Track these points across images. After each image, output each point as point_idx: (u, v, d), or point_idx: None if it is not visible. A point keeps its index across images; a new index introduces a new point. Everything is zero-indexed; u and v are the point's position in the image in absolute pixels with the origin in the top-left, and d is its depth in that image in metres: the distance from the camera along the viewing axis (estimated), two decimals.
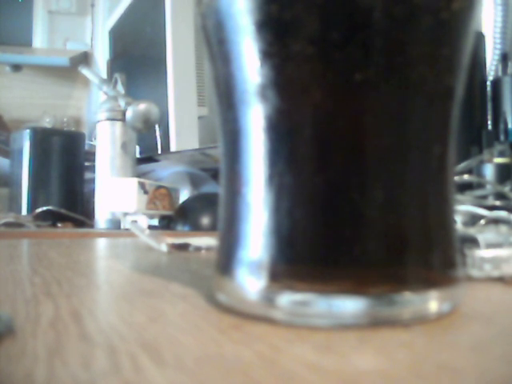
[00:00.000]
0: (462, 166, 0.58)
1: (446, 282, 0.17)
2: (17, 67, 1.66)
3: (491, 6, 0.80)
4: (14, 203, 1.01)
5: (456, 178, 0.53)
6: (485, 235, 0.26)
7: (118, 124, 0.88)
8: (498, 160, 0.63)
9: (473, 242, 0.25)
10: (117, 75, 0.97)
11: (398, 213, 0.17)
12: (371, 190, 0.16)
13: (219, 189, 0.20)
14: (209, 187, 1.01)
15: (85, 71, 1.00)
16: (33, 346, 0.13)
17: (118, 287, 0.24)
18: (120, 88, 0.94)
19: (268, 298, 0.16)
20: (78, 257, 0.39)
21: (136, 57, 1.22)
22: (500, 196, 0.53)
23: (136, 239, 0.48)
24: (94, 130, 0.98)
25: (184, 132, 0.99)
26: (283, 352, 0.13)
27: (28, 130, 0.99)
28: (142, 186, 0.78)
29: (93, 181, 0.91)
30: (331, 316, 0.15)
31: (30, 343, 0.13)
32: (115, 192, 0.78)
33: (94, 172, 0.91)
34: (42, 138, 1.00)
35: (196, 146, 0.99)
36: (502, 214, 0.42)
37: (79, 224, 0.94)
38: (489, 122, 0.76)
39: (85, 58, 1.77)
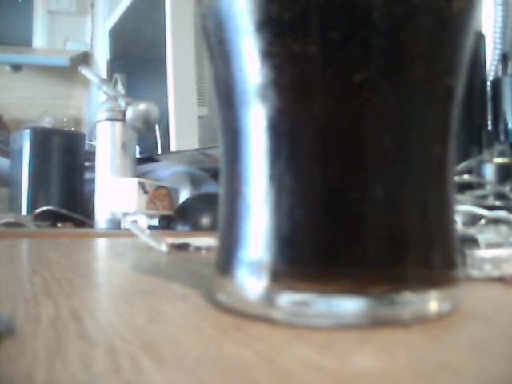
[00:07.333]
0: (462, 166, 0.58)
1: (446, 282, 0.17)
2: (17, 67, 1.66)
3: (491, 5, 0.80)
4: (14, 203, 1.01)
5: (456, 178, 0.53)
6: (485, 235, 0.26)
7: (118, 124, 0.88)
8: (498, 160, 0.63)
9: (473, 241, 0.25)
10: (117, 75, 0.97)
11: (398, 213, 0.17)
12: (371, 190, 0.16)
13: (219, 189, 0.20)
14: (209, 187, 1.01)
15: (85, 71, 1.00)
16: (33, 346, 0.13)
17: (117, 287, 0.24)
18: (120, 88, 0.94)
19: (268, 298, 0.16)
20: (78, 257, 0.39)
21: (136, 57, 1.22)
22: (500, 196, 0.53)
23: (136, 239, 0.48)
24: (94, 130, 0.98)
25: (184, 132, 0.99)
26: (283, 352, 0.13)
27: (28, 130, 0.99)
28: (141, 186, 0.78)
29: (93, 181, 0.91)
30: (331, 316, 0.15)
31: (29, 343, 0.13)
32: (115, 192, 0.78)
33: (94, 172, 0.91)
34: (42, 138, 1.00)
35: (196, 146, 0.99)
36: (502, 214, 0.42)
37: (79, 224, 0.94)
38: (489, 122, 0.76)
39: (85, 58, 1.78)
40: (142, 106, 0.83)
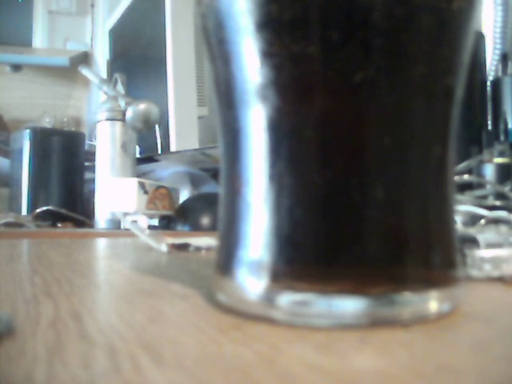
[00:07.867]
0: (462, 166, 0.58)
1: (446, 282, 0.17)
2: (17, 67, 1.66)
3: (491, 5, 0.80)
4: (14, 203, 1.01)
5: (456, 178, 0.53)
6: (485, 235, 0.26)
7: (118, 124, 0.88)
8: (498, 160, 0.63)
9: (473, 242, 0.26)
10: (117, 75, 0.97)
11: (398, 213, 0.17)
12: (371, 190, 0.16)
13: (219, 189, 0.20)
14: (209, 187, 1.01)
15: (85, 71, 1.00)
16: (33, 346, 0.13)
17: (117, 287, 0.24)
18: (120, 88, 0.94)
19: (268, 298, 0.16)
20: (78, 257, 0.39)
21: (136, 57, 1.22)
22: (500, 196, 0.53)
23: (136, 239, 0.48)
24: (94, 129, 0.98)
25: (184, 132, 0.99)
26: (283, 352, 0.13)
27: (28, 130, 0.99)
28: (141, 186, 0.78)
29: (93, 181, 0.91)
30: (331, 316, 0.15)
31: (29, 343, 0.13)
32: (115, 192, 0.78)
33: (94, 172, 0.91)
34: (42, 138, 0.99)
35: (196, 146, 0.99)
36: (502, 214, 0.42)
37: (79, 224, 0.94)
38: (489, 122, 0.76)
39: (85, 58, 1.78)
40: (142, 106, 0.83)
